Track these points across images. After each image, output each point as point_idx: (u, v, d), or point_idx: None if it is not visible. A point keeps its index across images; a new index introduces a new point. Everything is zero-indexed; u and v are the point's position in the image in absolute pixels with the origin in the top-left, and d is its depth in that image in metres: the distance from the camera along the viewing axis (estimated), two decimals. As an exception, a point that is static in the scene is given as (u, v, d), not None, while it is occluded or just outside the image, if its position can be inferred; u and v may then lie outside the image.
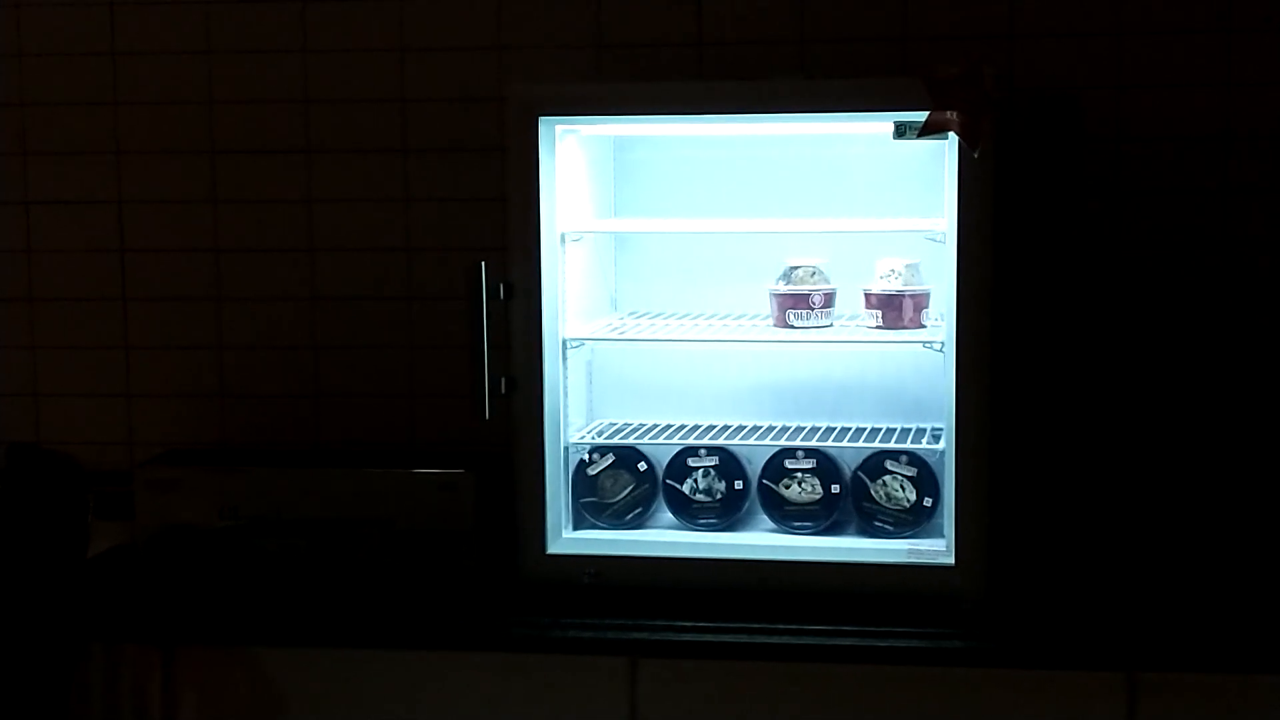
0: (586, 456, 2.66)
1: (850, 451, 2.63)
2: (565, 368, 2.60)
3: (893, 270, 2.59)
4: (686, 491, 2.65)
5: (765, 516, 2.66)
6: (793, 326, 2.62)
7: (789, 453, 2.64)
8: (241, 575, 2.62)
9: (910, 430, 2.67)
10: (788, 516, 2.63)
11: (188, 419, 2.95)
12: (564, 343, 2.58)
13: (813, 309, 2.62)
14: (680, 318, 2.76)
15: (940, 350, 2.47)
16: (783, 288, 2.63)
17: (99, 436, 2.94)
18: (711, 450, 2.65)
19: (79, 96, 2.94)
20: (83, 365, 2.98)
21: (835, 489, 2.61)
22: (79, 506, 2.37)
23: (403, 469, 2.69)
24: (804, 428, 2.70)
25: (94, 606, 2.42)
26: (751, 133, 2.67)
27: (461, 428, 2.61)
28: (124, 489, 2.71)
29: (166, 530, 2.68)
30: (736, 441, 2.66)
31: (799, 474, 2.63)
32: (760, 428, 2.72)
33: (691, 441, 2.66)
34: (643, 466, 2.67)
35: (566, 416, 2.61)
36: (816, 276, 2.62)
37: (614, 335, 2.66)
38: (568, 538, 2.60)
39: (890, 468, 2.60)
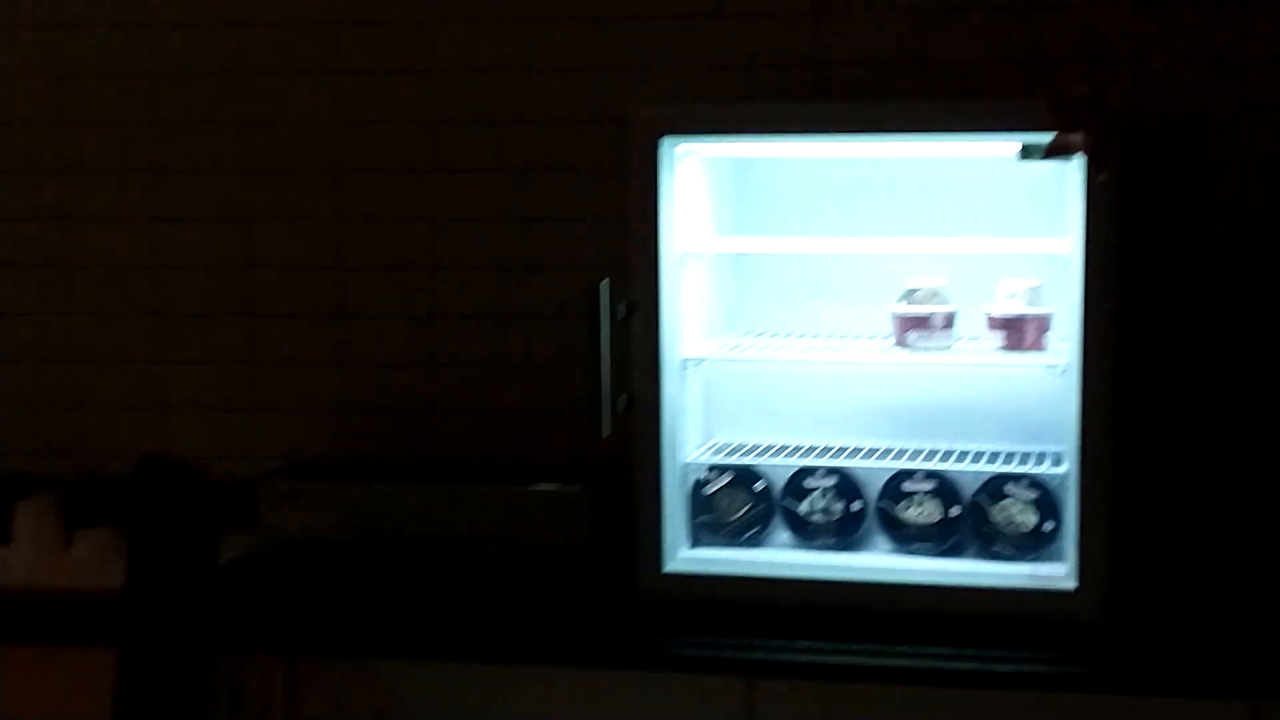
0: (703, 475, 2.67)
1: (969, 474, 2.61)
2: (683, 386, 2.61)
3: (1015, 292, 2.58)
4: (803, 512, 2.65)
5: (882, 538, 2.65)
6: (913, 348, 2.61)
7: (907, 474, 2.63)
8: (362, 588, 2.65)
9: (1030, 454, 2.65)
10: (905, 539, 2.62)
11: (310, 432, 2.99)
12: (683, 362, 2.59)
13: (933, 330, 2.61)
14: (799, 337, 2.76)
15: (1063, 373, 2.46)
16: (903, 308, 2.62)
17: (223, 449, 2.99)
18: (829, 471, 2.65)
19: (209, 114, 3.00)
20: (208, 379, 3.03)
21: (954, 512, 2.60)
22: (209, 516, 2.41)
23: (521, 484, 2.71)
24: (922, 450, 2.69)
25: (221, 616, 2.46)
26: (872, 154, 2.67)
27: (579, 445, 2.63)
28: (248, 501, 2.75)
29: (289, 542, 2.72)
30: (854, 462, 2.66)
31: (917, 496, 2.62)
32: (878, 449, 2.71)
33: (809, 462, 2.66)
34: (759, 486, 2.67)
35: (684, 435, 2.62)
36: (937, 298, 2.61)
37: (732, 354, 2.67)
38: (684, 556, 2.60)
39: (1010, 491, 2.58)
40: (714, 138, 2.56)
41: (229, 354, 3.02)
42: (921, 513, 2.62)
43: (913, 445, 2.71)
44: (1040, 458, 2.63)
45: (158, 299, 3.04)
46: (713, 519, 2.66)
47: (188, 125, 3.00)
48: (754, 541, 2.66)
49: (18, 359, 3.09)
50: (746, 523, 2.67)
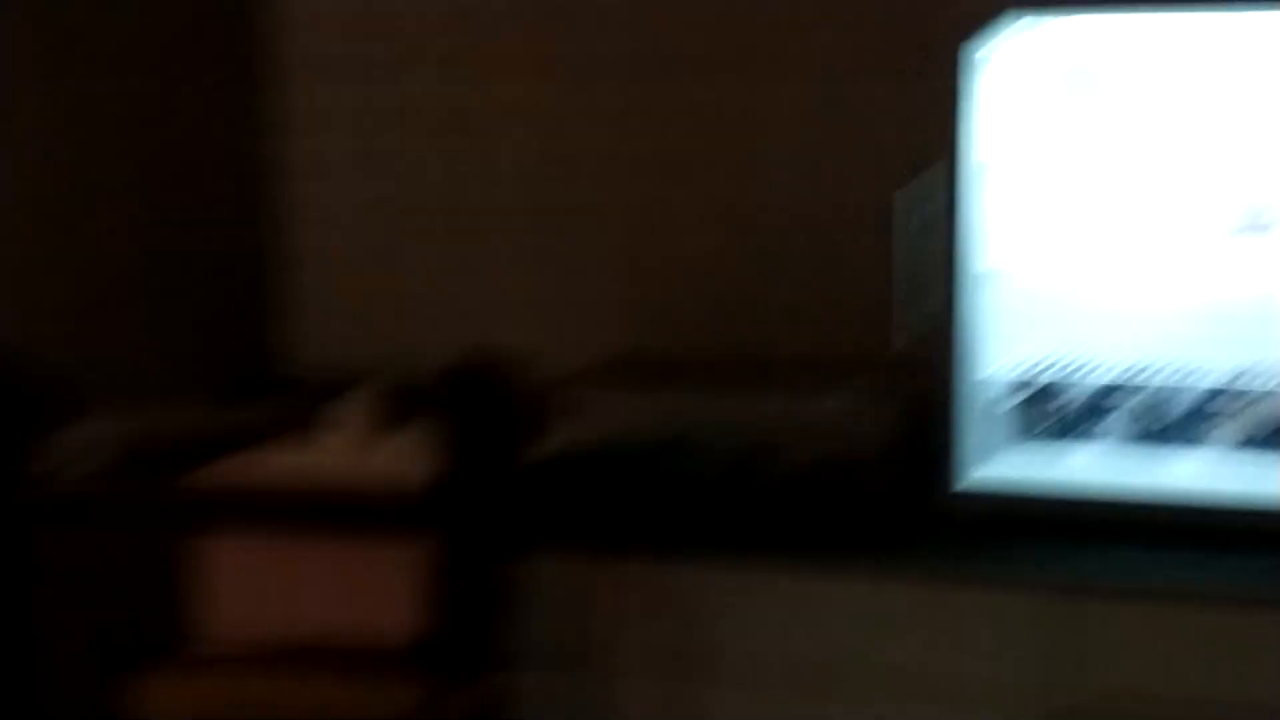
0: (1006, 389, 2.63)
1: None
2: (982, 298, 2.57)
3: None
4: (1111, 426, 2.60)
5: (1194, 453, 2.57)
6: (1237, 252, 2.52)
7: (1224, 389, 2.54)
8: (663, 491, 2.69)
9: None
10: (1224, 453, 2.54)
11: (618, 334, 3.03)
12: (982, 273, 2.55)
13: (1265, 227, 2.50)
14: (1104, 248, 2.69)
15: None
16: (1227, 209, 2.52)
17: (533, 349, 3.05)
18: (1138, 386, 2.59)
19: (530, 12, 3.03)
20: (519, 279, 3.09)
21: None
22: (520, 416, 2.47)
23: (819, 394, 2.71)
24: (1242, 363, 2.59)
25: (527, 516, 2.53)
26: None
27: (877, 356, 2.62)
28: (556, 401, 2.82)
29: (594, 443, 2.78)
30: (1165, 376, 2.58)
31: (1235, 410, 2.54)
32: (1190, 363, 2.62)
33: (1116, 377, 2.60)
34: (1064, 399, 2.62)
35: (983, 348, 2.59)
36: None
37: (1034, 265, 2.62)
38: (983, 470, 2.58)
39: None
40: (1057, 10, 2.47)
41: (539, 254, 3.07)
42: (1242, 427, 2.53)
43: (1231, 358, 2.61)
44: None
45: (467, 198, 3.11)
46: (1016, 432, 2.63)
47: (508, 19, 3.04)
48: (1058, 455, 2.62)
49: (335, 260, 3.20)
50: (1052, 434, 2.62)
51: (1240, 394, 2.54)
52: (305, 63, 3.16)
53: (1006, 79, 2.57)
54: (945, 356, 2.50)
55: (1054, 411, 2.61)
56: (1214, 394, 2.54)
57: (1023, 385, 2.62)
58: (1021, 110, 2.65)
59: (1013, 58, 2.54)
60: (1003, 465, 2.60)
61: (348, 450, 2.89)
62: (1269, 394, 2.52)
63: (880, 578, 2.43)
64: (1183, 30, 2.48)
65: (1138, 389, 2.58)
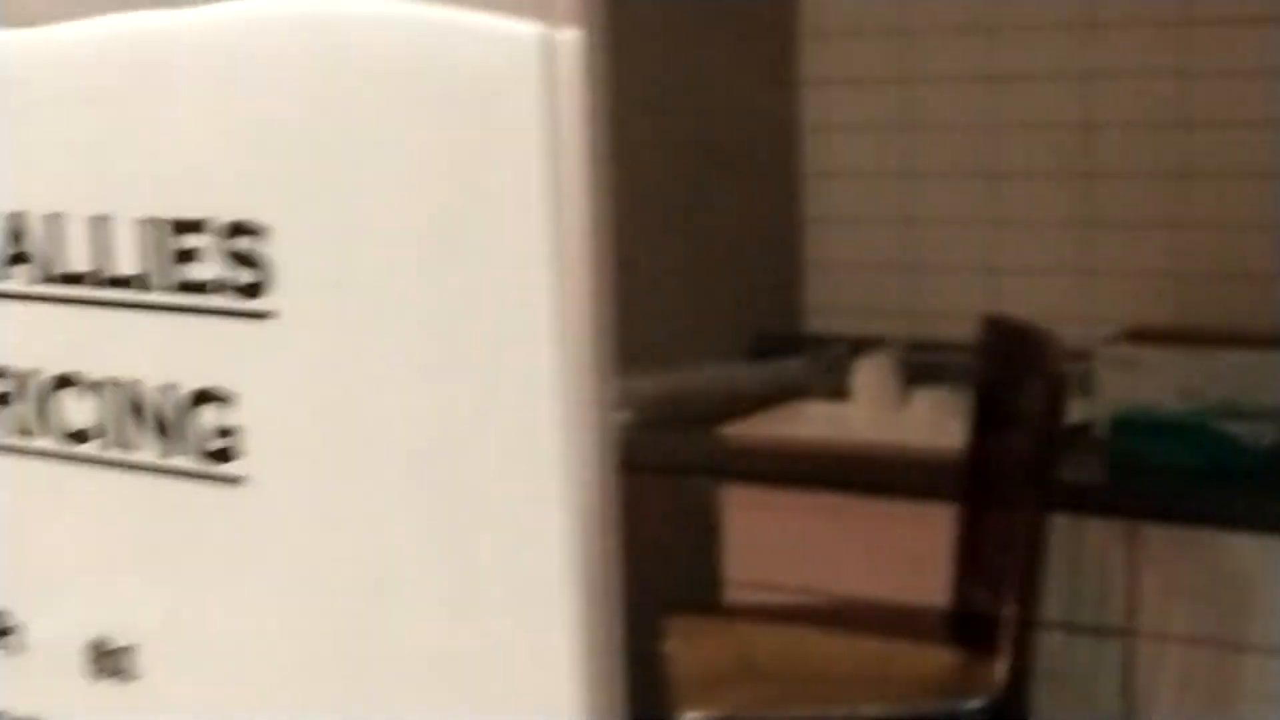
0: None
1: None
2: None
3: None
4: None
5: None
6: None
7: None
8: (1202, 457, 2.56)
9: None
10: None
11: (1147, 299, 2.91)
12: None
13: None
14: None
15: None
16: None
17: (1057, 313, 2.97)
18: None
19: None
20: (1043, 241, 3.01)
21: None
22: (1053, 380, 2.40)
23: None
24: None
25: (1061, 480, 2.46)
26: None
27: None
28: (1085, 366, 2.72)
29: (1127, 409, 2.67)
30: None
31: None
32: None
33: None
34: None
35: None
36: None
37: None
38: None
39: None
40: None
41: (1065, 216, 2.98)
42: None
43: None
44: None
45: (993, 160, 3.05)
46: None
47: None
48: None
49: (855, 220, 3.20)
50: None
51: None
52: (836, 22, 3.16)
53: None
54: None
55: None
56: None
57: None
58: None
59: None
60: None
61: (876, 411, 2.88)
62: None
63: None
64: None
65: None
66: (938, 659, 2.45)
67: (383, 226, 0.63)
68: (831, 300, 3.21)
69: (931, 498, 2.57)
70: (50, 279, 0.73)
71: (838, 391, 2.95)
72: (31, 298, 0.73)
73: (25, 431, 0.74)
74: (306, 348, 0.66)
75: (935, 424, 2.74)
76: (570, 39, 0.59)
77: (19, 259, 0.73)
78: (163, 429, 0.70)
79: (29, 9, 0.70)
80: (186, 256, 0.68)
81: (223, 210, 0.67)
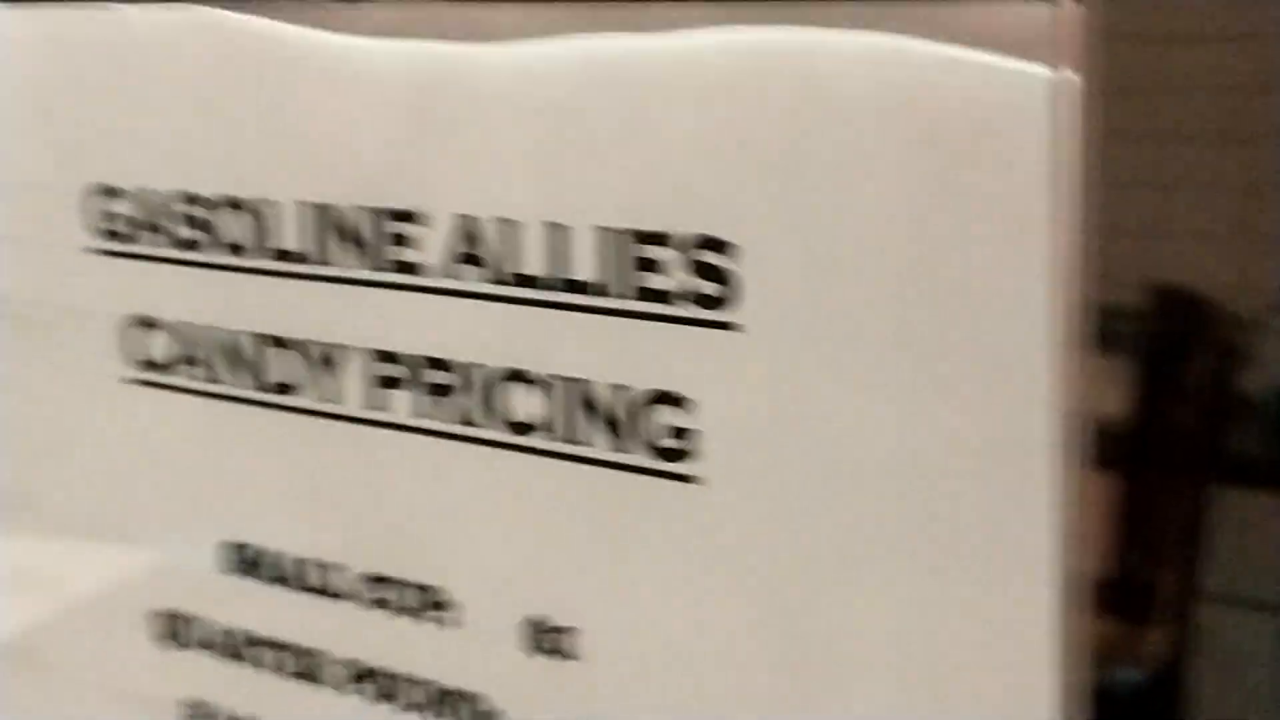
0: None
1: None
2: None
3: None
4: None
5: None
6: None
7: None
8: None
9: None
10: None
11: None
12: None
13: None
14: None
15: None
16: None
17: (1228, 280, 2.97)
18: None
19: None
20: (1215, 206, 3.01)
21: None
22: (1222, 350, 2.42)
23: None
24: None
25: (1228, 451, 2.48)
26: None
27: None
28: (1252, 334, 2.73)
29: (1290, 382, 2.68)
30: None
31: None
32: None
33: None
34: None
35: None
36: None
37: None
38: None
39: None
40: None
41: (1238, 181, 2.98)
42: None
43: None
44: None
45: (1162, 122, 3.04)
46: None
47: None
48: None
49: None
50: None
51: None
52: None
53: None
54: None
55: None
56: None
57: None
58: None
59: None
60: None
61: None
62: None
63: None
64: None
65: None
66: (1101, 631, 2.48)
67: (860, 254, 0.67)
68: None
69: (1096, 467, 2.59)
70: (501, 280, 0.77)
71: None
72: (480, 296, 0.77)
73: (467, 421, 0.79)
74: (771, 361, 0.69)
75: (1096, 391, 2.76)
76: (1073, 82, 0.63)
77: (469, 259, 0.77)
78: (613, 426, 0.74)
79: (499, 26, 0.74)
80: (648, 266, 0.72)
81: (692, 225, 0.71)
